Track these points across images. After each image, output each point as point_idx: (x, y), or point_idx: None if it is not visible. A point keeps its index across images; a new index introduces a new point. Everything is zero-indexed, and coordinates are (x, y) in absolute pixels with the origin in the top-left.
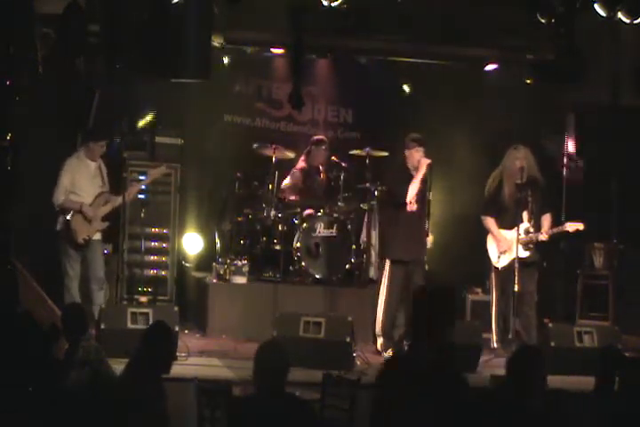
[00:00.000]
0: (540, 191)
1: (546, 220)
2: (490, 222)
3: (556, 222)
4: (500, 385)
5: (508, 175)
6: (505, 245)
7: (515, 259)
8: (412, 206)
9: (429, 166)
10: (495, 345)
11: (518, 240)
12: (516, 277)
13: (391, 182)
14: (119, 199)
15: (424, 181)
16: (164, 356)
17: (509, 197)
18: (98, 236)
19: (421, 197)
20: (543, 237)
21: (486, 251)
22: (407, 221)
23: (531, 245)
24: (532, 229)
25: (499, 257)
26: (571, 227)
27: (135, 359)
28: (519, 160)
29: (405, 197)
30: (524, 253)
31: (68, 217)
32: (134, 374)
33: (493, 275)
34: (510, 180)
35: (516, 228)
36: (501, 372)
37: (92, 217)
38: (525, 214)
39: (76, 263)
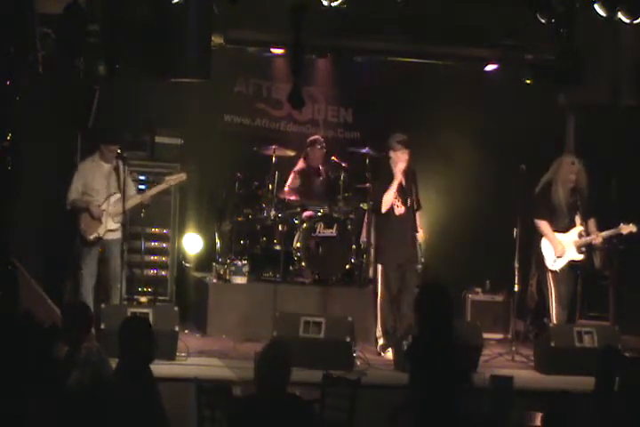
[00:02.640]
0: (586, 198)
1: (592, 224)
2: (544, 225)
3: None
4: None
5: (563, 182)
6: (559, 249)
7: (570, 261)
8: (399, 210)
9: (405, 172)
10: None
11: (575, 242)
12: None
13: (374, 189)
14: (134, 200)
15: (407, 183)
16: (143, 352)
17: (564, 200)
18: (115, 235)
19: (407, 198)
20: (597, 239)
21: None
22: (396, 224)
23: (583, 249)
24: (584, 233)
25: (554, 260)
26: (625, 229)
27: (119, 360)
28: (574, 174)
29: (381, 206)
30: (579, 256)
31: (79, 216)
32: (122, 374)
33: (550, 277)
34: (565, 185)
35: (570, 230)
36: (501, 372)
37: (98, 216)
38: (577, 218)
39: (90, 262)
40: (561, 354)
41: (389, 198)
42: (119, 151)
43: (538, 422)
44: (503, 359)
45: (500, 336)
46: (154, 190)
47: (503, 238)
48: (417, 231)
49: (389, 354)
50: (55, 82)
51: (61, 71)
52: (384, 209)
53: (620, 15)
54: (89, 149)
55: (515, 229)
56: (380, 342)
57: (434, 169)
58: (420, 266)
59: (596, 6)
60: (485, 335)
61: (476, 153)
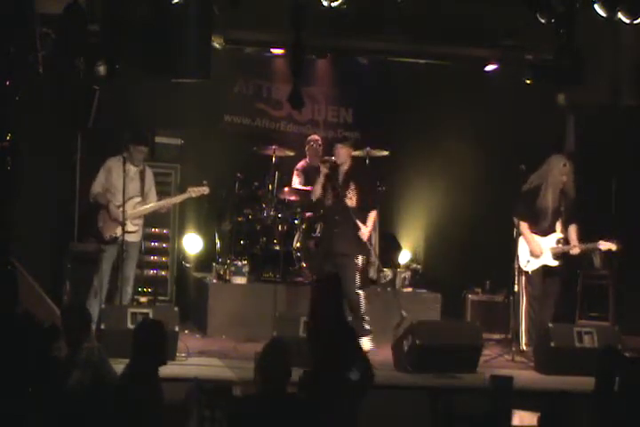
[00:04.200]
0: (571, 203)
1: (572, 231)
2: (523, 226)
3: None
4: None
5: (554, 184)
6: (537, 250)
7: (544, 266)
8: (327, 202)
9: (324, 163)
10: (524, 348)
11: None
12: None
13: None
14: (153, 206)
15: (346, 180)
16: (156, 354)
17: (550, 204)
18: (132, 237)
19: (337, 193)
20: (575, 251)
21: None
22: (326, 215)
23: (559, 256)
24: (562, 241)
25: (528, 261)
26: (603, 246)
27: (130, 360)
28: (565, 176)
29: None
30: (554, 262)
31: (99, 213)
32: (131, 374)
33: (523, 279)
34: (555, 188)
35: (549, 235)
36: (501, 372)
37: (116, 217)
38: (558, 224)
39: (106, 261)
40: (561, 354)
41: (316, 188)
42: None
43: (536, 422)
44: (503, 359)
45: (500, 336)
46: (174, 200)
47: (503, 238)
48: (359, 228)
49: None
50: (55, 82)
51: (61, 71)
52: (313, 198)
53: (619, 15)
54: (89, 150)
55: (514, 230)
56: None
57: (433, 169)
58: (359, 260)
59: (596, 6)
60: (485, 335)
61: (475, 153)
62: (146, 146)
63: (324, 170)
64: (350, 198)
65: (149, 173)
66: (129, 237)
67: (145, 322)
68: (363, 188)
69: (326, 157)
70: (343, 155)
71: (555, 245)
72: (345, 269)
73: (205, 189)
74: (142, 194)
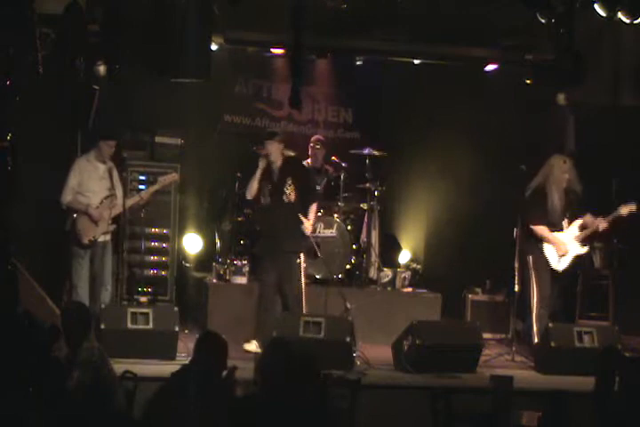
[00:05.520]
0: (579, 196)
1: (588, 217)
2: (542, 230)
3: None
4: None
5: (557, 183)
6: (562, 249)
7: (574, 257)
8: (265, 200)
9: (280, 166)
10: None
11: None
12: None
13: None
14: (128, 202)
15: (281, 176)
16: (213, 364)
17: (559, 202)
18: (106, 237)
19: (275, 190)
20: (603, 224)
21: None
22: (263, 214)
23: (586, 242)
24: (584, 225)
25: (559, 261)
26: (624, 210)
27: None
28: (567, 173)
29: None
30: (582, 250)
31: (75, 217)
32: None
33: (533, 277)
34: (559, 186)
35: (569, 227)
36: (501, 372)
37: (97, 218)
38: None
39: (84, 263)
40: (561, 354)
41: (253, 186)
42: (114, 149)
43: (535, 421)
44: (503, 359)
45: (500, 336)
46: (148, 191)
47: (503, 238)
48: (302, 223)
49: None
50: (55, 82)
51: (61, 71)
52: (248, 196)
53: (619, 15)
54: (89, 150)
55: (515, 229)
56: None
57: (433, 169)
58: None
59: (596, 6)
60: (485, 335)
61: (475, 153)
62: (114, 140)
63: (261, 164)
64: (289, 195)
65: (114, 170)
66: (105, 237)
67: (207, 334)
68: (300, 183)
69: (265, 152)
70: (274, 151)
71: (578, 233)
72: (290, 268)
73: (174, 176)
74: (114, 192)
